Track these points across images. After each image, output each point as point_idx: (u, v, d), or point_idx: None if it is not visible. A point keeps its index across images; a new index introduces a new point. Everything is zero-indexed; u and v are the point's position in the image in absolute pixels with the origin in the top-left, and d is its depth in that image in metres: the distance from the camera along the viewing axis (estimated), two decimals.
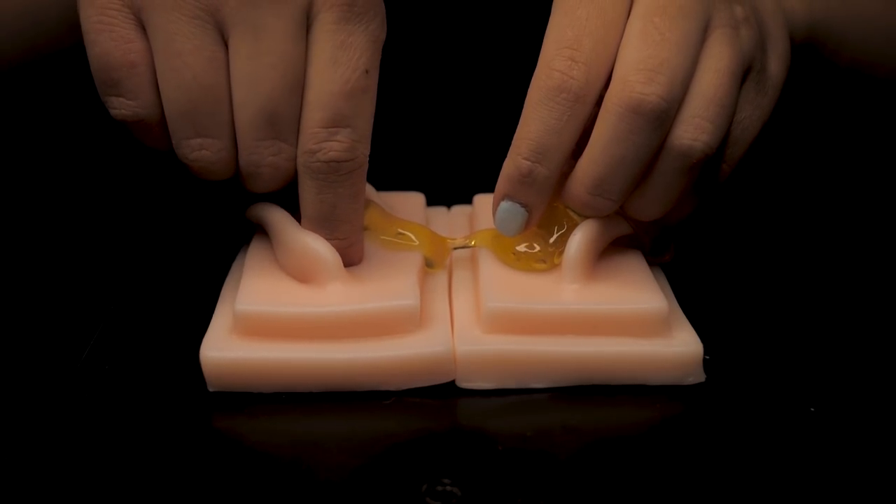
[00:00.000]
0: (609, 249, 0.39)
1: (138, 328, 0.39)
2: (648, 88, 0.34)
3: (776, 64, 0.39)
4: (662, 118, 0.35)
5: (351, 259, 0.38)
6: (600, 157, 0.35)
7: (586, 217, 0.38)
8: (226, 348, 0.35)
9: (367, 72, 0.35)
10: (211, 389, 0.35)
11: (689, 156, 0.35)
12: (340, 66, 0.34)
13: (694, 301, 0.39)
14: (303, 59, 0.35)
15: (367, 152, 0.36)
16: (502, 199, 0.37)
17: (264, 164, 0.36)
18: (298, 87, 0.35)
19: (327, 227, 0.37)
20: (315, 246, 0.37)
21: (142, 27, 0.35)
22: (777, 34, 0.39)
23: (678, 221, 0.40)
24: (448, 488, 0.30)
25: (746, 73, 0.37)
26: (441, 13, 0.36)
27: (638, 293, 0.37)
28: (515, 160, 0.36)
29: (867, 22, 0.47)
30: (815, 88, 0.48)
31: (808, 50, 0.44)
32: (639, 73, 0.34)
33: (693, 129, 0.35)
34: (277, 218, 0.38)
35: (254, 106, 0.35)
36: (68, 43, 0.44)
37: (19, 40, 0.46)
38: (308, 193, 0.36)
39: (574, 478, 0.31)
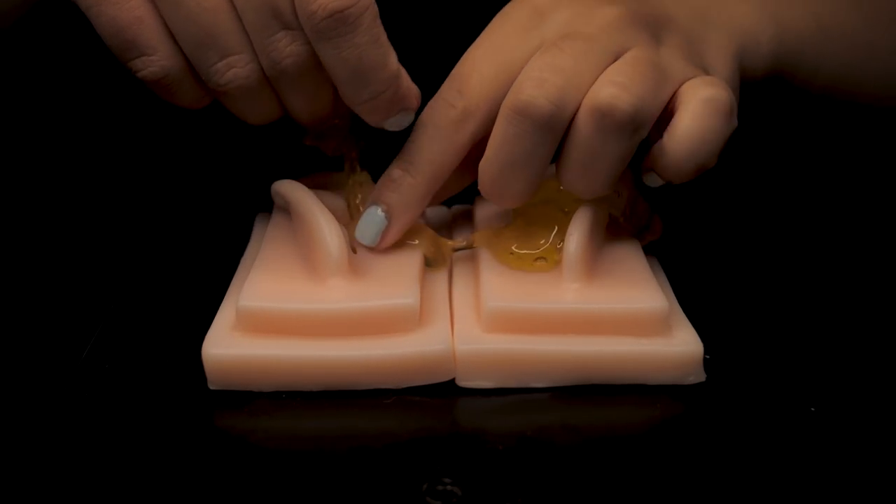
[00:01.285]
0: (609, 249, 0.39)
1: (139, 326, 0.39)
2: (537, 91, 0.35)
3: (721, 65, 0.39)
4: (551, 123, 0.35)
5: (409, 101, 0.37)
6: (492, 159, 0.37)
7: (577, 213, 0.38)
8: (228, 345, 0.35)
9: None
10: (212, 388, 0.35)
11: (609, 114, 0.34)
12: None
13: (694, 301, 0.39)
14: None
15: None
16: (370, 205, 0.39)
17: (285, 58, 0.35)
18: None
19: (364, 82, 0.36)
20: (327, 237, 0.37)
21: None
22: (719, 62, 0.40)
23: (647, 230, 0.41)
24: (448, 488, 0.30)
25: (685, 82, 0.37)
26: (441, 14, 0.37)
27: (638, 293, 0.37)
28: (390, 168, 0.39)
29: (845, 45, 0.46)
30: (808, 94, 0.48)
31: (776, 81, 0.44)
32: (530, 79, 0.35)
33: (611, 87, 0.35)
34: (303, 198, 0.39)
35: (253, 7, 0.35)
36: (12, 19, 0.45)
37: None
38: (331, 59, 0.35)
39: (574, 477, 0.31)
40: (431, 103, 0.38)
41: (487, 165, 0.37)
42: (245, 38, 0.36)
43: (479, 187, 0.38)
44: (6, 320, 0.40)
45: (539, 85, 0.35)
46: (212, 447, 0.33)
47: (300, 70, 0.36)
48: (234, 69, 0.36)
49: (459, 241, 0.41)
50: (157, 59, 0.36)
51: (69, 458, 0.32)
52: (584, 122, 0.35)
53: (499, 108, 0.36)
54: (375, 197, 0.39)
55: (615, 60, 0.36)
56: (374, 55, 0.35)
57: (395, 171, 0.38)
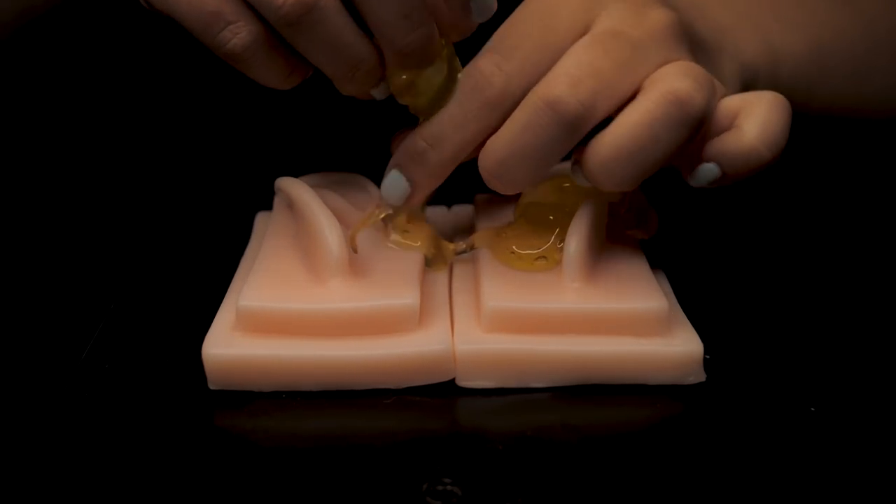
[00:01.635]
0: (609, 249, 0.39)
1: (139, 326, 0.39)
2: (570, 90, 0.34)
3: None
4: (576, 124, 0.35)
5: (430, 45, 0.36)
6: (504, 142, 0.36)
7: (578, 213, 0.38)
8: (228, 345, 0.35)
9: None
10: (212, 387, 0.35)
11: (688, 103, 0.34)
12: None
13: (694, 301, 0.39)
14: None
15: None
16: (393, 168, 0.38)
17: None
18: None
19: (411, 16, 0.35)
20: (327, 237, 0.37)
21: None
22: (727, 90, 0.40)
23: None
24: (448, 488, 0.30)
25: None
26: None
27: (638, 293, 0.37)
28: (414, 138, 0.38)
29: (846, 70, 0.46)
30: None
31: None
32: (567, 75, 0.35)
33: (687, 80, 0.34)
34: (305, 197, 0.39)
35: None
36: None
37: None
38: None
39: (574, 477, 0.31)
40: (469, 71, 0.36)
41: (497, 146, 0.36)
42: None
43: (479, 163, 0.37)
44: (6, 320, 0.40)
45: (574, 84, 0.35)
46: (212, 447, 0.33)
47: None
48: None
49: (461, 244, 0.41)
50: (243, 25, 0.35)
51: (69, 457, 0.32)
52: (652, 104, 0.34)
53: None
54: (400, 163, 0.38)
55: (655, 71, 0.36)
56: None
57: (419, 143, 0.37)
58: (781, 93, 0.43)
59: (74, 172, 0.53)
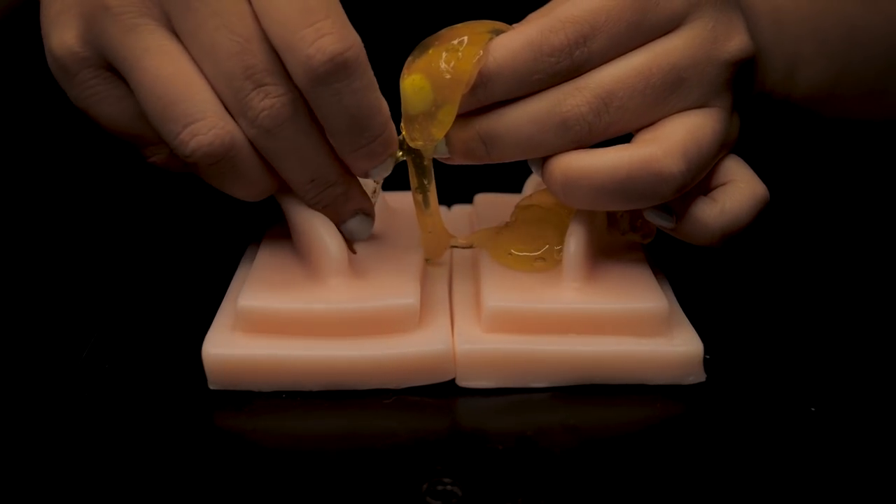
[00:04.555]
0: (609, 250, 0.39)
1: (139, 326, 0.39)
2: (592, 115, 0.35)
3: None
4: (579, 143, 0.36)
5: (395, 145, 0.36)
6: (510, 119, 0.36)
7: (578, 213, 0.38)
8: (228, 345, 0.35)
9: None
10: (212, 387, 0.35)
11: (662, 179, 0.35)
12: None
13: (694, 301, 0.39)
14: (245, 4, 0.33)
15: (358, 38, 0.33)
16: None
17: (259, 112, 0.33)
18: (254, 35, 0.33)
19: (362, 129, 0.35)
20: (325, 240, 0.37)
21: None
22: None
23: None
24: (448, 488, 0.30)
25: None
26: (442, 15, 0.37)
27: (638, 293, 0.37)
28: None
29: (865, 90, 0.46)
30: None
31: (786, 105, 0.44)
32: (597, 99, 0.35)
33: (677, 159, 0.35)
34: (293, 204, 0.38)
35: (223, 72, 0.33)
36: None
37: None
38: (329, 108, 0.34)
39: (574, 477, 0.31)
40: (548, 37, 0.35)
41: (500, 122, 0.36)
42: (211, 104, 0.34)
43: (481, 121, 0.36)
44: (6, 320, 0.40)
45: (596, 112, 0.35)
46: (212, 447, 0.33)
47: (278, 120, 0.34)
48: (196, 137, 0.33)
49: (459, 239, 0.41)
50: (165, 147, 0.36)
51: (69, 457, 0.32)
52: (637, 161, 0.34)
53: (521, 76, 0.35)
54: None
55: (689, 108, 0.36)
56: (372, 98, 0.34)
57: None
58: (794, 101, 0.43)
59: (76, 171, 0.53)
